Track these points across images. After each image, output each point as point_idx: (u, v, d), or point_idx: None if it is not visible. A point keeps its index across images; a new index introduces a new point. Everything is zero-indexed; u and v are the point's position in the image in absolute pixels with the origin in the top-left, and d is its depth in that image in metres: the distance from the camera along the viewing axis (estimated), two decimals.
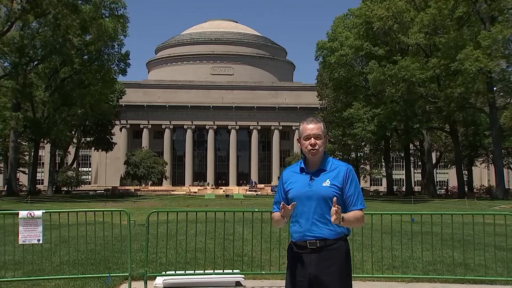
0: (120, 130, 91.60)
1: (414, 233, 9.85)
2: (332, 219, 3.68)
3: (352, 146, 67.85)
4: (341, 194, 3.88)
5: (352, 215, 3.85)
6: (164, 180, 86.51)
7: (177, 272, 8.43)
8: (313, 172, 3.92)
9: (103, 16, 52.99)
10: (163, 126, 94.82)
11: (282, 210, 3.81)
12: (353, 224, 3.88)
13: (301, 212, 3.85)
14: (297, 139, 4.15)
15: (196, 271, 8.40)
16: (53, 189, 65.50)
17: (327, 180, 3.86)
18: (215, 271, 8.46)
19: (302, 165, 3.98)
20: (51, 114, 53.00)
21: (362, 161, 79.42)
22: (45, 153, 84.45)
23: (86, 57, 54.89)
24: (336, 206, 3.66)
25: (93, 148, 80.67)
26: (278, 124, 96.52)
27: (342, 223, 3.74)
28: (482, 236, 9.23)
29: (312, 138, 3.91)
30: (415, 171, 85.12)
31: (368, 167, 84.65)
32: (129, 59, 56.46)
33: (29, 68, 51.06)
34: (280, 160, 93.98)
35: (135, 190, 73.79)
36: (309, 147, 3.91)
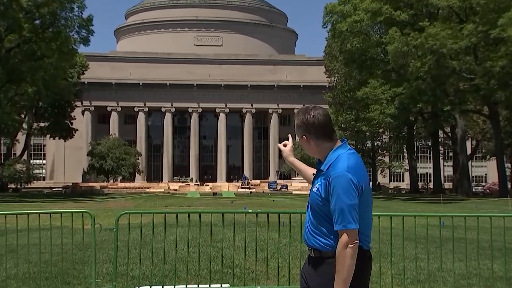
0: (82, 113, 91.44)
1: (443, 240, 9.87)
2: None
3: (368, 134, 67.97)
4: (327, 204, 3.73)
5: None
6: (137, 175, 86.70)
7: (152, 287, 8.43)
8: (318, 169, 3.97)
9: None
10: (136, 109, 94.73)
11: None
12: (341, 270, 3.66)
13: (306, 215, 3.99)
14: None
15: (176, 286, 8.41)
16: None
17: (316, 185, 3.86)
18: (200, 285, 8.48)
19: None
20: None
21: (379, 151, 79.73)
22: None
23: (38, 22, 54.42)
24: None
25: (48, 136, 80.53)
26: (277, 107, 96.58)
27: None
28: None
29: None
30: (445, 163, 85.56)
31: (387, 159, 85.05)
32: (92, 25, 55.97)
33: None
34: (279, 151, 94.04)
35: (101, 187, 73.88)
36: None
